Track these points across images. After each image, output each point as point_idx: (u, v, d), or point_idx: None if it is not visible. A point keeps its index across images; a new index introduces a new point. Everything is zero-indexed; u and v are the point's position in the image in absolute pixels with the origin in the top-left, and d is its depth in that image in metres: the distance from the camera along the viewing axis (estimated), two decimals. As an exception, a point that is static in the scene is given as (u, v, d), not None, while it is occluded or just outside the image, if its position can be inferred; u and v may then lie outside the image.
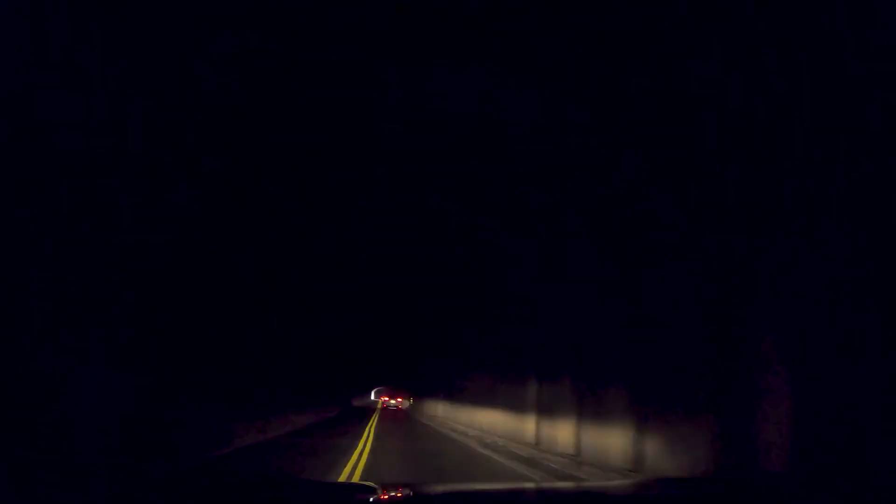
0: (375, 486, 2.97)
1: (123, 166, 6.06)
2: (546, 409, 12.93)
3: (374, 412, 44.91)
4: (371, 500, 2.74)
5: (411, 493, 2.86)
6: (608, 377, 9.67)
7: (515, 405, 15.20)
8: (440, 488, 3.61)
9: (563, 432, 11.79)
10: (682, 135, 6.35)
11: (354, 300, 18.65)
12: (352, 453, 13.88)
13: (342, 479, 9.93)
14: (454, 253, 13.83)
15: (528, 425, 14.08)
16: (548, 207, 10.19)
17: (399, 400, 58.54)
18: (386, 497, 2.79)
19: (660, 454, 7.72)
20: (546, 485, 6.96)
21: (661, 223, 7.55)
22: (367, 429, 23.39)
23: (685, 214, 6.91)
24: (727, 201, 6.15)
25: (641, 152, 6.96)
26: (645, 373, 8.30)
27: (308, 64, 5.93)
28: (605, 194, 8.37)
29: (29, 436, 5.07)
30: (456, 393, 26.04)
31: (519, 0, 5.16)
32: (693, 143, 6.24)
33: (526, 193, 10.05)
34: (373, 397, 64.94)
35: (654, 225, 7.75)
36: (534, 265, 12.49)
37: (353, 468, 11.28)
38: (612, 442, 9.27)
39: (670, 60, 5.57)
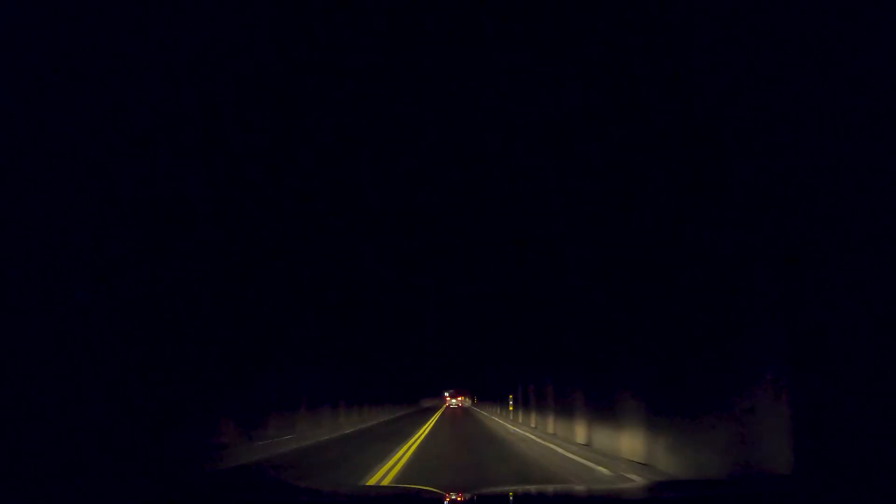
0: (438, 491, 3.26)
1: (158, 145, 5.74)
2: (560, 412, 15.76)
3: (441, 407, 62.41)
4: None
5: (474, 497, 3.03)
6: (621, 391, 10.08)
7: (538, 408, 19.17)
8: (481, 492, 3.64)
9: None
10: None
11: (422, 314, 20.01)
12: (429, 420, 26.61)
13: (423, 429, 20.18)
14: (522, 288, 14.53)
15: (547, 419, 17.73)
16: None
17: (460, 399, 70.86)
18: (448, 500, 3.01)
19: (663, 455, 7.90)
20: (552, 487, 7.18)
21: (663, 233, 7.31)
22: (437, 413, 40.33)
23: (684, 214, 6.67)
24: (726, 202, 5.86)
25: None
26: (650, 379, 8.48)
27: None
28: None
29: (30, 434, 4.89)
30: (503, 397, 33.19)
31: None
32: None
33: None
34: (442, 397, 75.08)
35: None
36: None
37: (428, 426, 22.80)
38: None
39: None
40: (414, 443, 15.07)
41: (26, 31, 4.25)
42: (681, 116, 5.67)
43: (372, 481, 8.51)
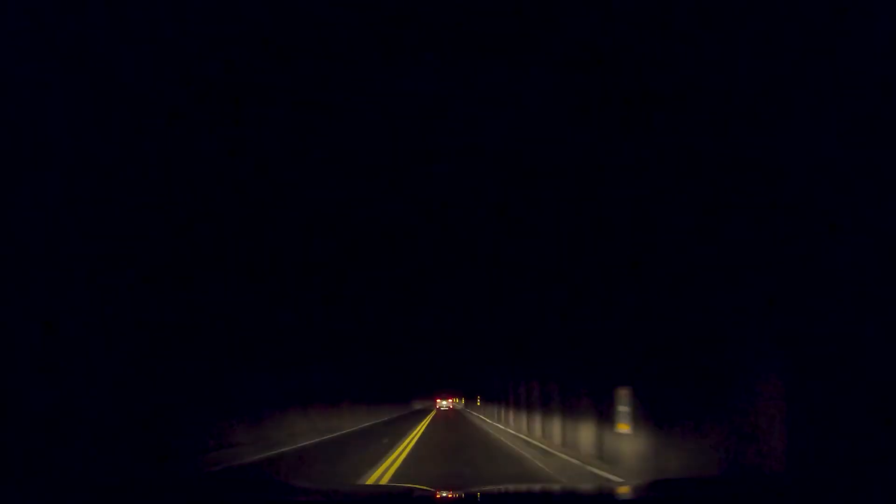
0: (429, 489, 3.31)
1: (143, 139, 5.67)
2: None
3: (433, 410, 64.75)
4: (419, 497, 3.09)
5: (462, 495, 3.02)
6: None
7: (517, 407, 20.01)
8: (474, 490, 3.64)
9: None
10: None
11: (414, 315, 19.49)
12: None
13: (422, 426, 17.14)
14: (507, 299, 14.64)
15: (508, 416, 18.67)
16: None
17: (451, 401, 70.68)
18: (439, 497, 3.04)
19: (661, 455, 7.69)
20: (547, 486, 6.94)
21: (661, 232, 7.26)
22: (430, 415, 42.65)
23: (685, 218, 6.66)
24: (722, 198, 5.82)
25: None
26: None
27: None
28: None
29: (29, 432, 4.97)
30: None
31: None
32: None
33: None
34: (433, 398, 76.16)
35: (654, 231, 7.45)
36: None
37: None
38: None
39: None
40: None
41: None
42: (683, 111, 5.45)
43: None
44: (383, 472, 11.08)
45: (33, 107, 4.69)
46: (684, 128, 5.57)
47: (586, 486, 6.49)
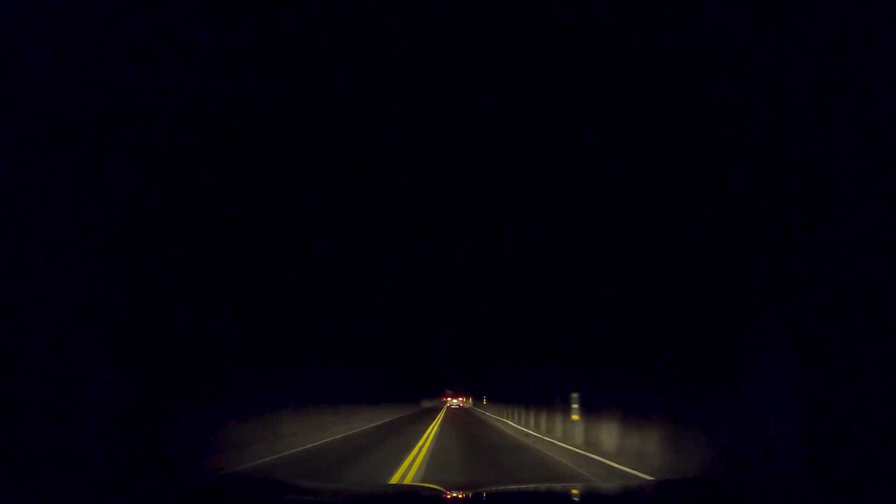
0: (439, 488, 3.40)
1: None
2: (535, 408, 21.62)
3: (442, 408, 66.38)
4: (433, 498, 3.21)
5: (470, 495, 3.06)
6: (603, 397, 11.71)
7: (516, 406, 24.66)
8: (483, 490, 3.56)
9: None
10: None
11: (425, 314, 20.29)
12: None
13: (436, 424, 22.12)
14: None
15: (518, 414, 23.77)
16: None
17: (461, 400, 73.14)
18: (449, 497, 3.08)
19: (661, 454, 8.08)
20: (556, 485, 7.05)
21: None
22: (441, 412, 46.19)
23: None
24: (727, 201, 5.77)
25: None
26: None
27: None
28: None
29: (32, 437, 4.98)
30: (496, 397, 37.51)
31: None
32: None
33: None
34: (442, 398, 78.80)
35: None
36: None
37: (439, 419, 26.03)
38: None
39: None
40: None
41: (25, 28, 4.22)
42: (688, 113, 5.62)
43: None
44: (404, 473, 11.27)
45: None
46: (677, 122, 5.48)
47: (595, 486, 6.52)
